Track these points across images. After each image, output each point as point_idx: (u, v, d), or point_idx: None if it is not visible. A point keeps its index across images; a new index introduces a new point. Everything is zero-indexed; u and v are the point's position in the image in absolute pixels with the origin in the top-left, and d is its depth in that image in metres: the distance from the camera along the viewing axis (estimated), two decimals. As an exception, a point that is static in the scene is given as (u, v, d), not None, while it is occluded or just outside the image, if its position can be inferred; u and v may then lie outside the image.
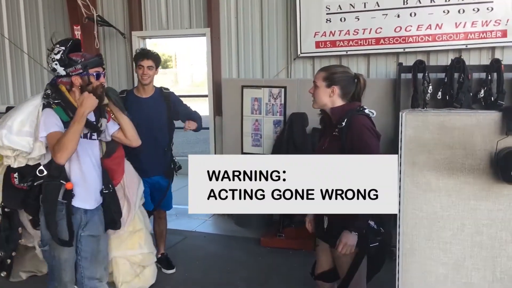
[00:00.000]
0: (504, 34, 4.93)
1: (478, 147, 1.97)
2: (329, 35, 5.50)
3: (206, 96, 6.45)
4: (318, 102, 2.79)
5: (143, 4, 6.38)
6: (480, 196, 1.99)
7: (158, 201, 4.33)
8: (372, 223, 2.61)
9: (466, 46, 5.07)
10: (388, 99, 5.28)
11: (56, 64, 2.90)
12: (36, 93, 6.97)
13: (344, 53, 5.50)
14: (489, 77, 4.79)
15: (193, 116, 4.26)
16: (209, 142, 6.44)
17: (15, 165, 2.89)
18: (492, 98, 4.78)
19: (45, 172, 2.83)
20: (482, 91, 4.80)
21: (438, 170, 2.01)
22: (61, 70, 2.90)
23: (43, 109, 2.86)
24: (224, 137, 6.02)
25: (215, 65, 6.11)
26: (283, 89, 5.67)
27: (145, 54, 4.10)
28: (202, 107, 6.46)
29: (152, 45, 6.84)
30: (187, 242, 5.39)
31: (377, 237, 2.62)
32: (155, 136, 4.11)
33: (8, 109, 6.86)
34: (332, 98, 2.72)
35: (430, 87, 4.90)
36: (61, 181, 2.80)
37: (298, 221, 5.49)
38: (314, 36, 5.56)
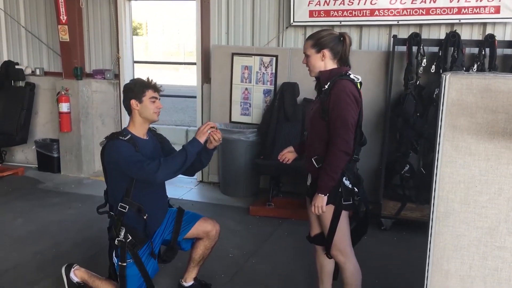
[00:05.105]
0: (497, 10, 4.98)
1: (521, 112, 1.96)
2: (323, 5, 5.42)
3: (194, 64, 6.27)
4: (313, 70, 2.85)
5: (129, -36, 6.14)
6: (519, 161, 1.99)
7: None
8: (347, 182, 2.74)
9: (459, 20, 5.11)
10: (380, 72, 5.29)
11: None
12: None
13: (338, 23, 5.44)
14: (483, 52, 4.84)
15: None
16: (196, 110, 6.30)
17: None
18: (484, 73, 4.85)
19: None
20: (475, 66, 4.86)
21: (479, 134, 1.99)
22: None
23: None
24: (212, 105, 5.90)
25: (204, 31, 5.93)
26: (274, 58, 5.59)
27: (154, 84, 3.12)
28: (185, 76, 6.26)
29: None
30: (175, 210, 5.28)
31: (351, 196, 2.76)
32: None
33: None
34: (325, 62, 2.80)
35: (424, 60, 4.92)
36: None
37: (287, 191, 5.52)
38: (308, 5, 5.48)
